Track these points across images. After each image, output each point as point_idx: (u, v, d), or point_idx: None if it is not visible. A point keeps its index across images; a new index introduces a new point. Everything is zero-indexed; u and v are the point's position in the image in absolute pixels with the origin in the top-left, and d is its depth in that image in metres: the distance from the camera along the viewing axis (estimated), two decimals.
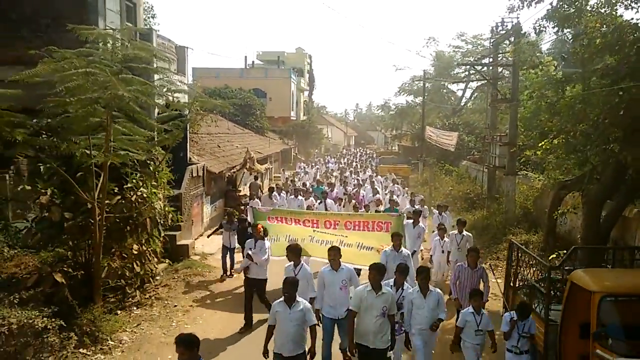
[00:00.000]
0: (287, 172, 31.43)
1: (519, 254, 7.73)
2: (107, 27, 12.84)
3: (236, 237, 11.65)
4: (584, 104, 9.24)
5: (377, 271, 6.02)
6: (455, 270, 7.93)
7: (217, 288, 10.93)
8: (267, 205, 14.35)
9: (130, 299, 9.48)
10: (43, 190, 8.59)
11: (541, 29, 12.64)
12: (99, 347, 7.48)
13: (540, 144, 12.77)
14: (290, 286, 5.79)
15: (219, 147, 21.78)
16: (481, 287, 7.66)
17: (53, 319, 6.54)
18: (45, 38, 12.98)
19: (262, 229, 9.03)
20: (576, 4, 11.44)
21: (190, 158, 15.78)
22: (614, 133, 9.77)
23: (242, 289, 9.27)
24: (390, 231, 9.34)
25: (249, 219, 11.10)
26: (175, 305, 9.56)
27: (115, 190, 9.07)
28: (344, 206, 15.77)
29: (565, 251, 8.98)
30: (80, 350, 7.23)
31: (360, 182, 21.70)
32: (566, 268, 6.49)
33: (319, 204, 14.86)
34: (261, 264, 8.58)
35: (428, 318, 6.40)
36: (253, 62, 53.51)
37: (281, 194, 17.20)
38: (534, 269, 7.22)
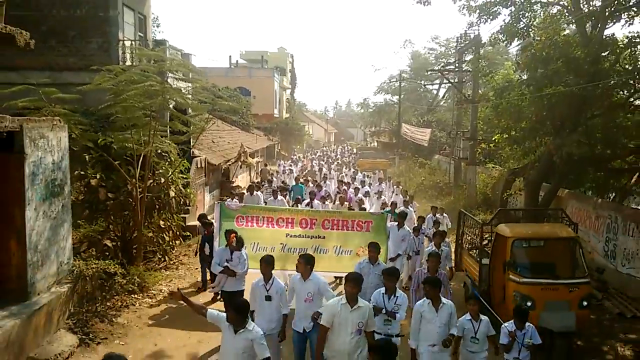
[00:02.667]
0: (271, 168, 33.44)
1: (465, 220, 10.23)
2: (125, 38, 14.92)
3: (198, 243, 10.56)
4: (519, 107, 11.77)
5: (354, 282, 5.30)
6: (415, 277, 7.42)
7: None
8: (249, 204, 13.06)
9: (158, 263, 11.65)
10: (92, 175, 10.69)
11: (496, 41, 15.27)
12: (146, 294, 9.69)
13: (493, 138, 15.41)
14: (237, 312, 4.81)
15: (214, 142, 23.86)
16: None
17: (119, 267, 8.74)
18: (72, 47, 15.06)
19: (234, 238, 7.82)
20: (524, 20, 13.98)
21: (193, 152, 17.92)
22: (544, 129, 12.37)
23: None
24: (372, 231, 8.84)
25: (215, 216, 9.49)
26: (197, 268, 11.75)
27: (149, 175, 11.22)
28: (334, 204, 14.65)
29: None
30: (133, 295, 9.42)
31: (348, 180, 20.60)
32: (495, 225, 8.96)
33: (307, 204, 13.36)
34: (240, 276, 7.74)
35: (439, 334, 5.71)
36: (237, 61, 55.21)
37: (263, 192, 16.38)
38: (476, 230, 9.69)
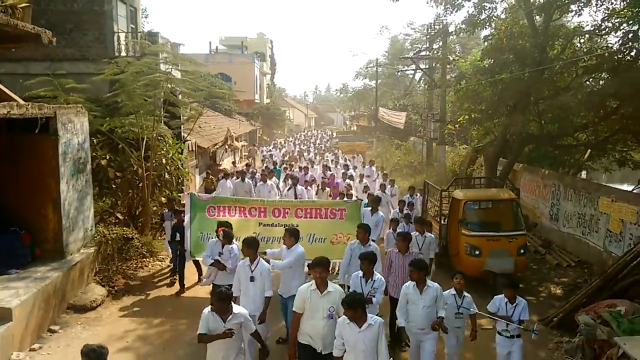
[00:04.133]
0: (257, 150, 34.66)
1: (429, 189, 11.93)
2: (119, 30, 16.08)
3: (169, 232, 9.95)
4: (477, 92, 13.46)
5: (321, 266, 5.24)
6: (387, 257, 7.24)
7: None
8: (240, 191, 13.71)
9: (161, 234, 13.07)
10: (102, 156, 12.01)
11: (460, 31, 16.90)
12: (154, 258, 11.16)
13: (458, 120, 17.15)
14: (220, 300, 4.91)
15: (200, 127, 25.10)
16: None
17: (135, 232, 10.21)
18: (69, 39, 16.16)
19: (222, 231, 7.69)
20: (486, 11, 15.55)
21: (184, 136, 19.24)
22: (500, 111, 14.10)
23: None
24: (345, 219, 8.96)
25: (185, 207, 9.42)
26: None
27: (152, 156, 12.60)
28: (316, 193, 14.34)
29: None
30: (144, 259, 10.89)
31: (329, 165, 20.10)
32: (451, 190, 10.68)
33: (288, 190, 13.44)
34: (231, 270, 7.33)
35: (423, 316, 5.75)
36: (217, 47, 55.78)
37: (253, 179, 15.86)
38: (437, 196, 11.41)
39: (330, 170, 18.06)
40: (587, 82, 14.60)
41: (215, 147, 22.86)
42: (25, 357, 6.77)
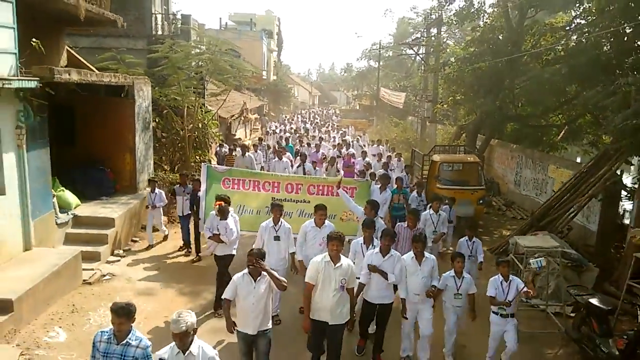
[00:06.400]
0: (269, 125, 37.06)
1: (415, 155, 14.81)
2: (155, 12, 18.67)
3: (188, 203, 10.06)
4: (459, 77, 16.19)
5: (338, 241, 5.48)
6: (396, 230, 7.49)
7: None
8: (240, 165, 13.57)
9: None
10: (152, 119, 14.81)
11: (451, 22, 19.53)
12: None
13: (447, 101, 19.92)
14: (254, 254, 5.17)
15: (217, 99, 27.84)
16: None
17: None
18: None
19: (219, 205, 7.77)
20: (474, 6, 18.09)
21: (207, 106, 21.98)
22: (479, 94, 16.85)
23: None
24: (356, 197, 9.20)
25: (201, 178, 9.54)
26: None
27: (191, 121, 15.42)
28: (326, 169, 14.26)
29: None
30: None
31: (340, 142, 19.54)
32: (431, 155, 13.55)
33: (297, 167, 13.34)
34: (231, 242, 7.69)
35: (421, 285, 6.19)
36: (226, 23, 57.79)
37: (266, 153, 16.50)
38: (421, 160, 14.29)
39: (344, 149, 17.61)
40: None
41: (232, 118, 25.59)
42: (123, 253, 9.75)
